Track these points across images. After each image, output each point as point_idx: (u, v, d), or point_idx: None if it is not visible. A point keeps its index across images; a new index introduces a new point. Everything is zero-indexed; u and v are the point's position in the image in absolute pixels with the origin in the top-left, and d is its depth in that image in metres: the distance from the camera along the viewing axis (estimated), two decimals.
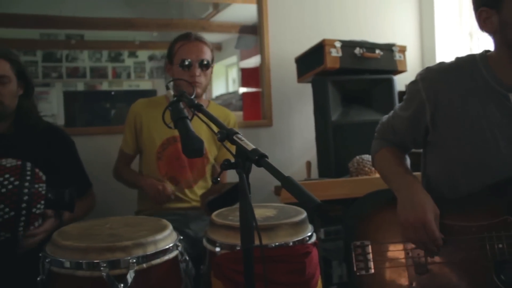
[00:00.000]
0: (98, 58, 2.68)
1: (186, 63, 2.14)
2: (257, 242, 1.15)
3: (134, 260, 1.34)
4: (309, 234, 1.62)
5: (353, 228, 1.66)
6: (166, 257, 1.43)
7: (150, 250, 1.39)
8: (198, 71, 2.15)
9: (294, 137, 2.97)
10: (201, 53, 2.18)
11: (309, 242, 1.61)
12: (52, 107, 2.60)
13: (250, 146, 1.16)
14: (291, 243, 1.54)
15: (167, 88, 1.65)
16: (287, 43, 2.94)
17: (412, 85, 1.64)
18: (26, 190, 1.62)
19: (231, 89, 3.06)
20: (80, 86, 2.68)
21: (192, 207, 2.26)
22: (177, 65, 2.16)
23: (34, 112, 2.01)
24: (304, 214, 1.67)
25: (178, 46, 2.18)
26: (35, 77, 2.44)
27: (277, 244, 1.52)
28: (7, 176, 1.61)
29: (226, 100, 2.97)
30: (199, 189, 2.29)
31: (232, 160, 1.19)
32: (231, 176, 2.25)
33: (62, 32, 2.60)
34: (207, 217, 2.18)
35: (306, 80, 2.75)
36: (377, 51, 2.59)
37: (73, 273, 1.33)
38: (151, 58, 2.79)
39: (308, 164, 2.63)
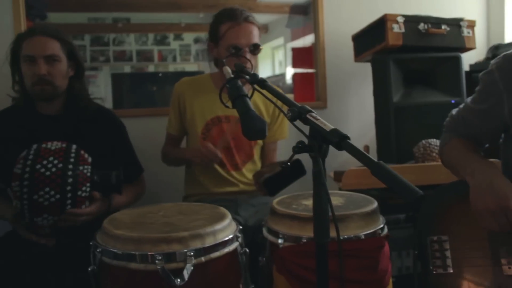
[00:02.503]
0: (144, 42, 2.63)
1: (236, 48, 1.94)
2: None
3: (192, 253, 1.19)
4: (381, 226, 1.44)
5: (430, 221, 1.45)
6: (226, 250, 1.27)
7: (209, 242, 1.24)
8: (248, 55, 1.95)
9: (351, 119, 2.76)
10: (251, 36, 1.96)
11: (382, 235, 1.42)
12: (100, 90, 2.57)
13: (328, 126, 0.99)
14: (362, 236, 1.37)
15: (223, 64, 1.48)
16: (342, 20, 2.72)
17: (486, 75, 1.43)
18: (70, 172, 1.56)
19: (277, 72, 2.92)
20: (127, 70, 2.64)
21: (241, 191, 2.12)
22: (225, 49, 1.96)
23: (85, 94, 1.95)
24: (375, 204, 1.48)
25: (225, 28, 1.96)
26: (83, 61, 2.36)
27: (347, 237, 1.34)
28: (51, 159, 1.55)
29: (273, 83, 2.79)
30: (248, 171, 2.15)
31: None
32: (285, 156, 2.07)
33: (109, 15, 2.56)
34: (256, 202, 2.10)
35: (364, 59, 2.54)
36: (443, 27, 2.34)
37: (126, 265, 1.20)
38: (196, 40, 2.70)
39: (366, 148, 2.42)
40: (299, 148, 1.03)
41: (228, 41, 1.94)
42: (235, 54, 1.93)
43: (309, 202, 1.52)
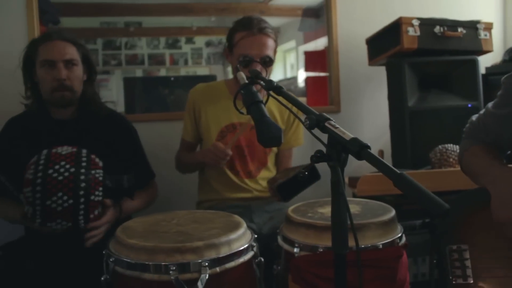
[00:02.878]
0: (156, 45, 2.62)
1: (247, 59, 1.89)
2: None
3: (207, 264, 1.16)
4: (399, 235, 1.40)
5: (449, 230, 1.40)
6: (241, 260, 1.24)
7: (224, 251, 1.21)
8: (259, 68, 1.88)
9: (364, 124, 2.72)
10: (264, 49, 1.91)
11: (400, 244, 1.38)
12: (112, 94, 2.56)
13: (348, 134, 0.96)
14: (380, 246, 1.33)
15: (237, 70, 1.46)
16: (356, 23, 2.68)
17: (509, 78, 1.37)
18: (82, 177, 1.54)
19: (289, 75, 2.89)
20: (138, 73, 2.63)
21: (254, 197, 2.08)
22: (236, 58, 1.93)
23: (97, 98, 1.94)
24: (392, 212, 1.44)
25: (239, 37, 1.93)
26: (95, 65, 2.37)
27: (364, 247, 1.31)
28: (63, 163, 1.53)
29: (285, 86, 2.74)
30: (262, 179, 2.11)
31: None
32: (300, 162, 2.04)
33: (121, 19, 2.55)
34: (271, 208, 2.07)
35: (379, 62, 2.50)
36: (460, 29, 2.29)
37: (139, 276, 1.17)
38: (208, 44, 2.68)
39: (381, 153, 2.38)
40: (317, 157, 1.01)
41: (240, 51, 1.91)
42: (245, 64, 1.88)
43: (325, 210, 1.49)
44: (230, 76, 2.43)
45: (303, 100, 2.71)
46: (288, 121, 2.13)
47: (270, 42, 1.93)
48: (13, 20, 2.23)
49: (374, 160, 0.87)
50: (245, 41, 1.91)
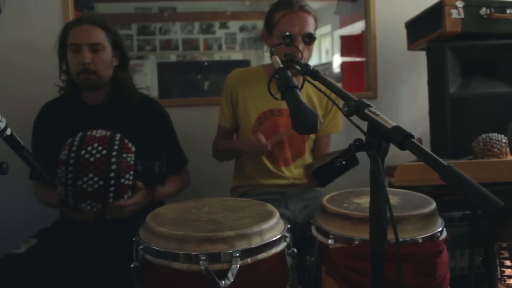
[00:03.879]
0: (190, 30, 2.58)
1: (288, 37, 1.83)
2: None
3: (238, 254, 1.12)
4: (440, 229, 1.31)
5: (498, 226, 1.31)
6: (273, 251, 1.19)
7: (255, 242, 1.16)
8: (301, 46, 1.83)
9: (402, 110, 2.60)
10: (306, 25, 1.85)
11: (440, 238, 1.30)
12: (146, 79, 2.54)
13: (389, 122, 0.90)
14: (420, 240, 1.25)
15: (272, 53, 1.39)
16: (395, 6, 2.55)
17: None
18: (114, 159, 1.54)
19: (324, 60, 2.79)
20: (172, 58, 2.60)
21: (290, 184, 2.02)
22: (277, 38, 1.86)
23: (130, 83, 1.91)
24: (433, 205, 1.35)
25: (279, 15, 1.87)
26: (130, 50, 2.36)
27: (402, 240, 1.23)
28: (95, 145, 1.54)
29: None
30: (297, 167, 2.04)
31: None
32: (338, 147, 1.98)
33: (155, 5, 2.52)
34: (306, 196, 2.01)
35: (419, 47, 2.37)
36: (508, 11, 2.13)
37: (169, 265, 1.13)
38: (242, 29, 2.61)
39: (419, 141, 2.27)
40: (356, 146, 0.95)
41: (281, 28, 1.84)
42: (288, 43, 1.82)
43: (362, 201, 1.42)
44: (266, 61, 2.36)
45: (338, 85, 2.61)
46: (327, 107, 2.06)
47: (311, 20, 1.87)
48: (49, 5, 2.22)
49: (418, 151, 0.80)
50: (286, 19, 1.84)
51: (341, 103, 0.98)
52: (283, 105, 1.89)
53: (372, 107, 0.95)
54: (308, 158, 2.08)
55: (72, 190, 1.52)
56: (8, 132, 1.12)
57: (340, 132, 2.10)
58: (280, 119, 1.98)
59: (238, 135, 2.12)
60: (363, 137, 0.93)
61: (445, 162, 0.74)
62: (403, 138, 0.84)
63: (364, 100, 0.96)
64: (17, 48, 2.20)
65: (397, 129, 0.86)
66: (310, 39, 1.86)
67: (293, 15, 1.84)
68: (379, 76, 2.58)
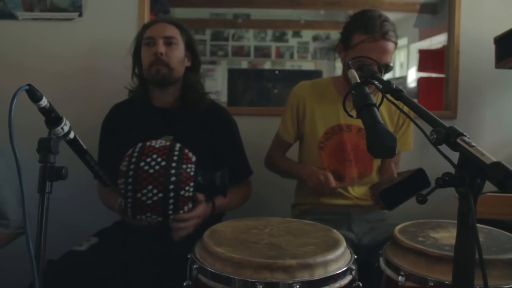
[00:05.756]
0: (263, 38, 2.51)
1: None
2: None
3: (298, 286, 1.00)
4: None
5: None
6: (337, 285, 1.06)
7: (319, 274, 1.03)
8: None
9: (483, 133, 2.36)
10: (385, 56, 1.67)
11: None
12: (217, 84, 2.50)
13: (487, 156, 0.75)
14: None
15: (349, 67, 1.26)
16: (484, 20, 2.31)
17: None
18: (173, 171, 1.47)
19: (398, 74, 2.59)
20: (244, 65, 2.54)
21: (354, 205, 1.86)
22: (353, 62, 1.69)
23: (200, 88, 1.85)
24: None
25: (358, 39, 1.69)
26: (203, 55, 2.34)
27: None
28: (154, 156, 1.49)
29: None
30: (362, 186, 1.88)
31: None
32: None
33: (230, 11, 2.48)
34: (371, 218, 1.84)
35: (509, 65, 2.12)
36: None
37: None
38: (315, 38, 2.49)
39: None
40: (444, 181, 0.80)
41: (358, 55, 1.63)
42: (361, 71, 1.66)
43: (439, 235, 1.24)
44: (337, 72, 2.22)
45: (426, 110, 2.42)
46: (398, 123, 1.90)
47: (391, 47, 1.70)
48: (125, 8, 2.22)
49: None
50: (365, 46, 1.67)
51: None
52: (353, 120, 1.74)
53: (466, 136, 0.81)
54: (375, 177, 1.91)
55: (131, 203, 1.47)
56: (72, 135, 1.08)
57: (412, 153, 1.93)
58: (349, 135, 1.84)
59: (300, 149, 1.99)
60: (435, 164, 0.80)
61: None
62: (505, 178, 0.70)
63: (456, 127, 0.82)
64: (94, 50, 2.21)
65: (498, 165, 0.72)
66: (387, 69, 1.68)
67: (374, 44, 1.66)
68: (460, 95, 2.35)
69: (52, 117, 1.01)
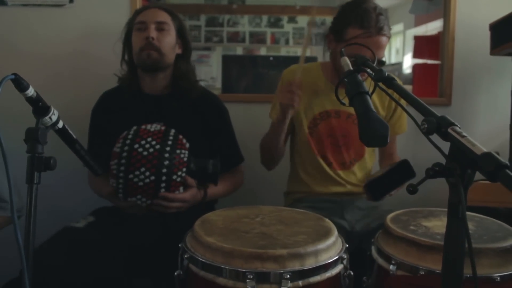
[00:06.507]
0: (258, 23, 2.48)
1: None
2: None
3: (289, 275, 0.99)
4: None
5: None
6: (328, 274, 1.05)
7: (309, 263, 1.03)
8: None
9: (478, 120, 2.34)
10: (380, 51, 1.65)
11: None
12: (212, 70, 2.48)
13: (478, 147, 0.74)
14: (498, 278, 1.06)
15: (342, 54, 1.24)
16: (480, 6, 2.28)
17: None
18: (167, 155, 1.49)
19: (393, 60, 2.55)
20: (239, 51, 2.51)
21: (347, 192, 1.85)
22: (346, 55, 1.62)
23: (191, 76, 1.84)
24: None
25: (352, 34, 1.64)
26: (197, 41, 2.35)
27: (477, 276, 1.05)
28: (149, 139, 1.51)
29: (388, 72, 2.47)
30: (358, 170, 1.88)
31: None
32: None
33: None
34: (364, 205, 1.83)
35: (504, 51, 2.10)
36: None
37: (213, 279, 1.03)
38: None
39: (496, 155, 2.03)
40: (435, 171, 0.79)
41: (352, 50, 1.49)
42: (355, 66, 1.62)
43: (431, 224, 1.24)
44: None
45: (408, 88, 2.40)
46: (389, 107, 1.88)
47: (386, 42, 1.67)
48: None
49: None
50: (359, 41, 1.59)
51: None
52: (342, 106, 1.72)
53: (457, 126, 0.80)
54: (368, 161, 1.92)
55: (123, 183, 1.48)
56: (60, 125, 1.06)
57: (405, 142, 1.94)
58: (337, 121, 1.82)
59: (291, 139, 1.96)
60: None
61: None
62: (496, 169, 0.69)
63: (447, 117, 0.81)
64: (86, 36, 2.18)
65: (489, 156, 0.72)
66: (381, 64, 1.65)
67: (369, 39, 1.62)
68: (454, 82, 2.33)
69: (39, 107, 0.98)
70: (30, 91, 0.95)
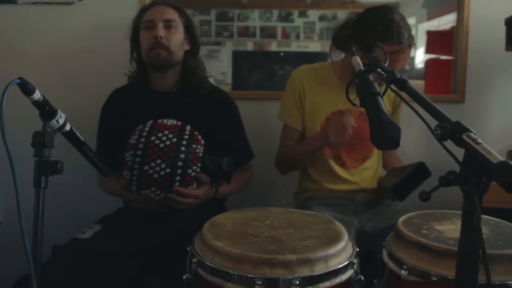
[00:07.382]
0: (269, 18, 2.45)
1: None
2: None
3: (298, 282, 0.97)
4: None
5: None
6: (338, 280, 1.03)
7: (319, 269, 1.01)
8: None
9: (492, 117, 2.29)
10: (405, 63, 1.69)
11: None
12: (222, 65, 2.46)
13: (494, 154, 0.71)
14: None
15: (353, 53, 1.21)
16: (495, 0, 2.23)
17: None
18: (183, 148, 1.50)
19: None
20: (249, 46, 2.48)
21: (360, 190, 1.83)
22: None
23: (200, 72, 1.83)
24: None
25: (387, 50, 1.50)
26: (208, 36, 2.33)
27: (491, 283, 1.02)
28: (166, 132, 1.51)
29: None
30: (370, 166, 1.87)
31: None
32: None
33: None
34: (376, 203, 1.82)
35: None
36: None
37: (221, 284, 1.02)
38: (321, 18, 2.43)
39: (510, 154, 1.99)
40: (448, 180, 0.77)
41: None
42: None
43: (443, 228, 1.21)
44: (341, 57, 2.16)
45: (420, 84, 2.35)
46: (395, 103, 1.91)
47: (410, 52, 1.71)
48: None
49: None
50: (393, 57, 1.59)
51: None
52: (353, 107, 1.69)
53: (472, 132, 0.77)
54: (379, 156, 1.91)
55: (137, 175, 1.48)
56: (68, 127, 1.04)
57: (417, 147, 2.03)
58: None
59: (304, 137, 1.92)
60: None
61: None
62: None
63: (462, 123, 0.78)
64: (95, 34, 2.16)
65: (505, 165, 0.68)
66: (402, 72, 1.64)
67: (403, 55, 1.63)
68: (468, 78, 2.28)
69: (46, 110, 0.97)
70: (37, 95, 0.94)
